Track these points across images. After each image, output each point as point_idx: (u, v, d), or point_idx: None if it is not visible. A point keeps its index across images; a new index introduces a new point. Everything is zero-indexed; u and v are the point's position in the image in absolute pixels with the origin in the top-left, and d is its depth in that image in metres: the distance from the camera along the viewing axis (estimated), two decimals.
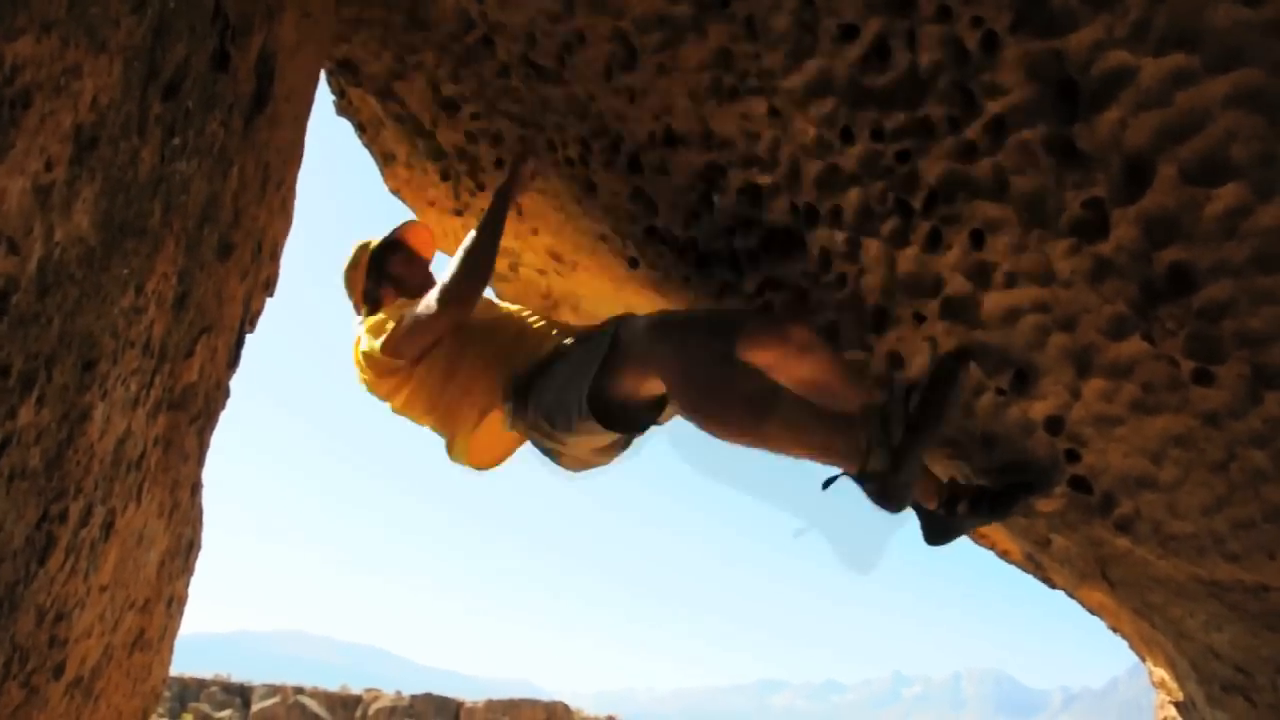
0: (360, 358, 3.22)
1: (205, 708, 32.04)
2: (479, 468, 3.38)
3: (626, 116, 2.95)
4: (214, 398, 3.02)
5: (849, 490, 2.51)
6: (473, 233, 3.20)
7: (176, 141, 2.03)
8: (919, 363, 2.68)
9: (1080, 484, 2.60)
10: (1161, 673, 5.41)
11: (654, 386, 2.76)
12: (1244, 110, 1.80)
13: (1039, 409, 2.51)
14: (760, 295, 2.93)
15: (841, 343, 2.80)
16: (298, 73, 2.99)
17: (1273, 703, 3.10)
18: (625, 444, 3.08)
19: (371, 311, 3.42)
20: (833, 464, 2.54)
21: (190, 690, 33.36)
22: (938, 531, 2.76)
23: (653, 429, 2.99)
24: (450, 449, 3.30)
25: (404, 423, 3.39)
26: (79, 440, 1.88)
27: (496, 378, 3.11)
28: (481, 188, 3.85)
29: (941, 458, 2.91)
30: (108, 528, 2.25)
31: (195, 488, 3.23)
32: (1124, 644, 5.34)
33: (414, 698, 32.16)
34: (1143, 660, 5.82)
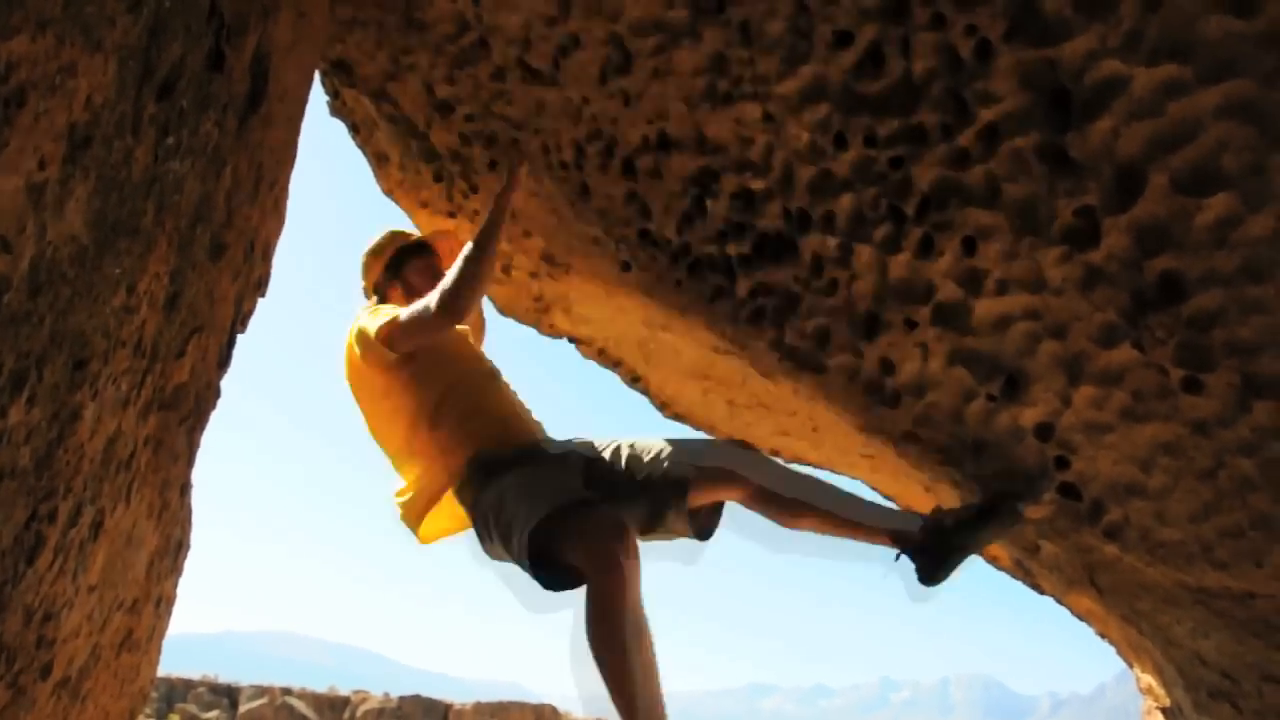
0: (355, 336, 3.22)
1: (192, 708, 31.92)
2: (423, 541, 3.36)
3: (621, 120, 2.95)
4: (205, 398, 3.01)
5: None
6: (470, 243, 3.20)
7: (170, 141, 2.02)
8: (909, 369, 2.69)
9: (1069, 491, 2.61)
10: (1148, 679, 5.43)
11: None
12: (1235, 121, 1.82)
13: (1029, 416, 2.52)
14: (752, 300, 2.93)
15: (832, 348, 2.80)
16: (292, 73, 2.99)
17: (1258, 709, 3.11)
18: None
19: (379, 303, 3.43)
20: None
21: (177, 691, 33.22)
22: (931, 566, 2.80)
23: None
24: (406, 510, 3.28)
25: None
26: (69, 440, 1.88)
27: (470, 448, 3.13)
28: (475, 190, 3.85)
29: (933, 465, 2.92)
30: (97, 528, 2.24)
31: (185, 488, 3.22)
32: (1112, 650, 5.36)
33: (402, 699, 32.07)
34: (1130, 666, 5.84)
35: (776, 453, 5.25)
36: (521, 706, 32.74)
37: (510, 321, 4.85)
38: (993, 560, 5.94)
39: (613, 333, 4.55)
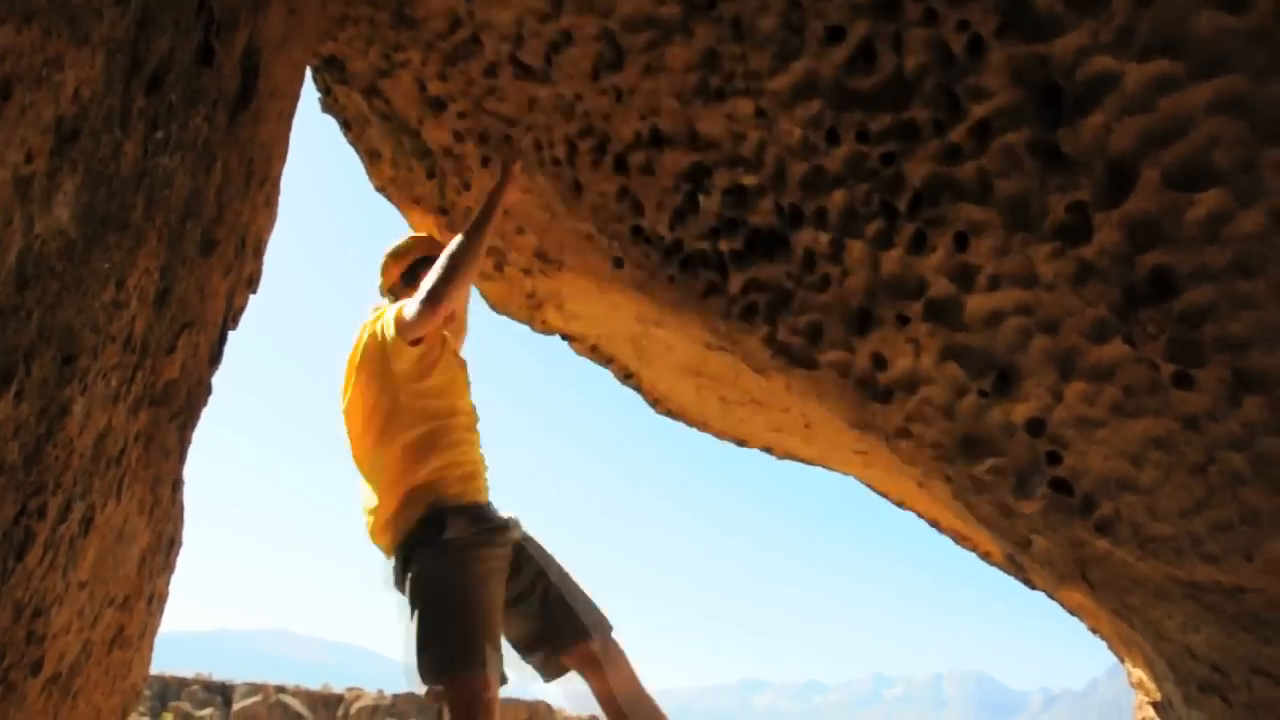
0: (385, 328, 3.26)
1: (186, 706, 31.85)
2: (373, 538, 3.41)
3: (613, 116, 2.95)
4: (196, 394, 3.00)
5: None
6: (459, 236, 3.20)
7: (160, 135, 2.02)
8: (901, 365, 2.69)
9: (1061, 486, 2.61)
10: (1140, 673, 5.44)
11: None
12: (1227, 116, 1.82)
13: (1021, 411, 2.52)
14: (745, 296, 2.93)
15: (824, 344, 2.80)
16: (283, 69, 2.98)
17: (1248, 702, 3.12)
18: None
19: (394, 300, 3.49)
20: None
21: (171, 689, 33.17)
22: None
23: None
24: (372, 529, 3.35)
25: None
26: (58, 435, 1.87)
27: (431, 490, 3.21)
28: (468, 186, 3.85)
29: (925, 461, 2.92)
30: (87, 523, 2.23)
31: (176, 484, 3.21)
32: (1104, 645, 5.37)
33: (396, 696, 32.02)
34: (1121, 661, 5.85)
35: (769, 449, 5.26)
36: (516, 704, 32.71)
37: (503, 319, 4.85)
38: (985, 556, 5.95)
39: (605, 329, 4.54)
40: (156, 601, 3.52)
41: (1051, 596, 5.74)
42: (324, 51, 3.63)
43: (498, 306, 4.75)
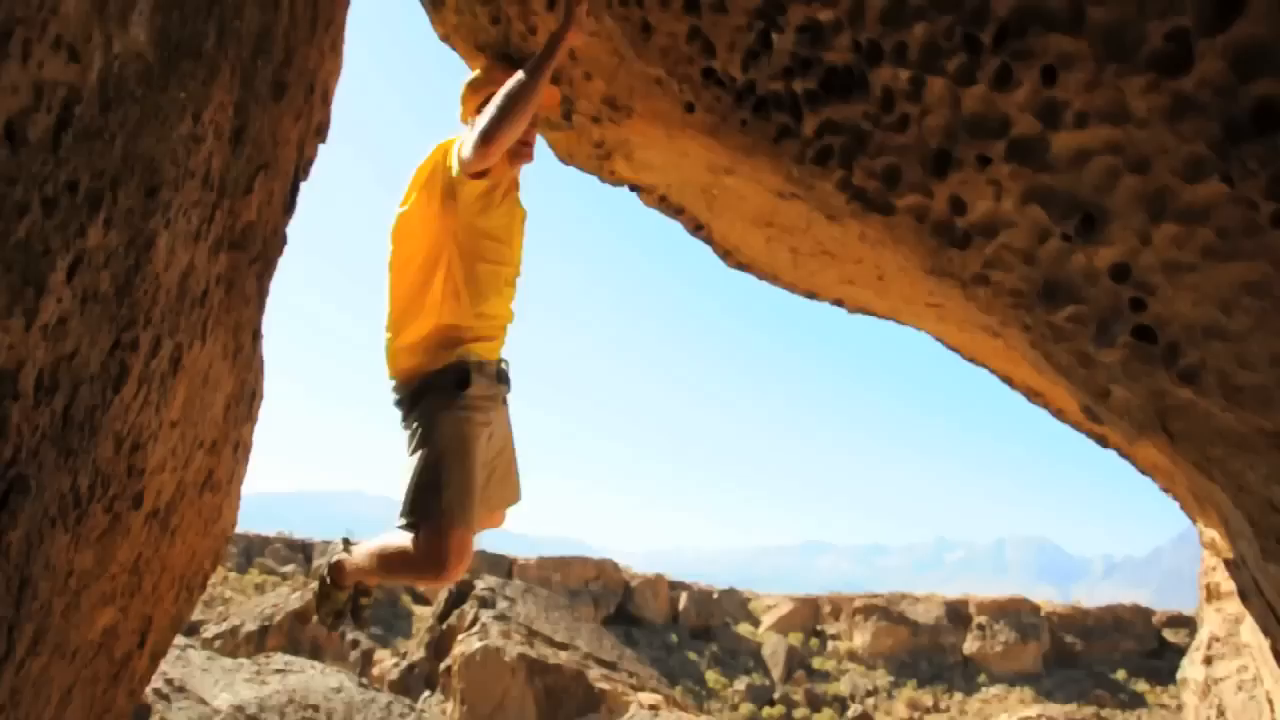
0: (450, 155, 3.31)
1: (270, 562, 33.48)
2: (389, 358, 3.44)
3: None
4: (272, 243, 3.04)
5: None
6: (519, 74, 3.15)
7: None
8: (981, 209, 2.60)
9: (1144, 333, 2.54)
10: (1212, 532, 5.41)
11: None
12: None
13: (1105, 255, 2.43)
14: (819, 139, 2.85)
15: (901, 187, 2.72)
16: None
17: None
18: None
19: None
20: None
21: (255, 546, 34.84)
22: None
23: None
24: (398, 324, 3.38)
25: None
26: (145, 269, 1.91)
27: (464, 334, 3.27)
28: (533, 31, 3.75)
29: (1003, 308, 2.85)
30: (175, 362, 2.30)
31: (256, 334, 3.28)
32: (1167, 516, 5.33)
33: None
34: (1193, 521, 5.82)
35: (841, 302, 5.20)
36: (584, 561, 33.84)
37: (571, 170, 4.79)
38: (1058, 413, 5.89)
39: (675, 179, 4.47)
40: (242, 450, 3.65)
41: (1123, 456, 5.68)
42: None
43: (565, 158, 4.69)
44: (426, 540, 3.08)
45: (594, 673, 12.31)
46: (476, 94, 3.59)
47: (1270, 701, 5.77)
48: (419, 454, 3.17)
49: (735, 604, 35.15)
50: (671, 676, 25.42)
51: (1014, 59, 2.28)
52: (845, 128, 2.77)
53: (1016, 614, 31.61)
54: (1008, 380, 5.70)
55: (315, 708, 8.13)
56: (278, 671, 8.78)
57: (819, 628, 34.12)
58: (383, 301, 3.40)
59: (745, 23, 2.84)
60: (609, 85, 3.78)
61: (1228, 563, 5.00)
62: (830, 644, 33.17)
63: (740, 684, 29.80)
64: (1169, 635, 31.42)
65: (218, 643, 19.40)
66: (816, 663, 31.95)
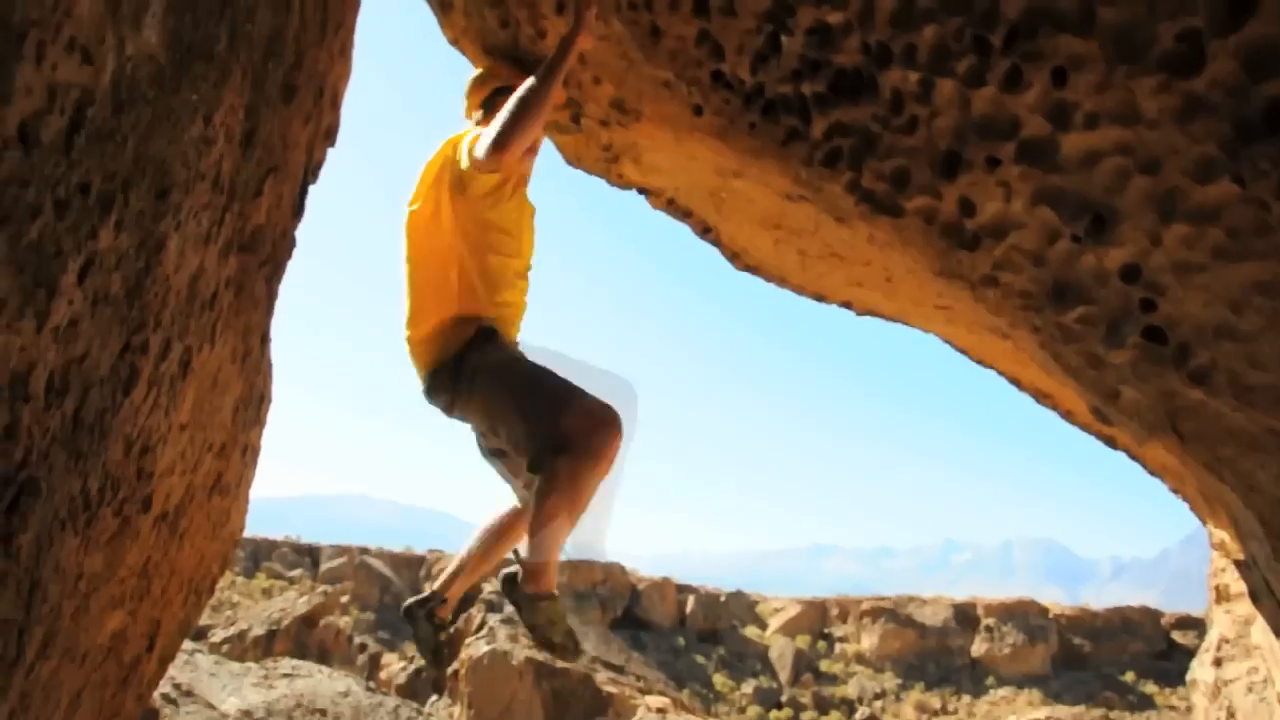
0: (461, 151, 3.32)
1: (278, 567, 33.57)
2: (412, 351, 3.44)
3: None
4: (281, 246, 3.04)
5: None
6: (530, 80, 3.16)
7: None
8: (990, 210, 2.60)
9: (1155, 334, 2.53)
10: (1222, 534, 5.38)
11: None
12: None
13: (1116, 256, 2.43)
14: (828, 141, 2.84)
15: (910, 189, 2.72)
16: None
17: None
18: None
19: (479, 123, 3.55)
20: None
21: (263, 550, 34.94)
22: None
23: None
24: (415, 319, 3.38)
25: None
26: (156, 271, 1.91)
27: (476, 301, 3.27)
28: (542, 35, 3.75)
29: (1012, 310, 2.85)
30: (185, 365, 2.30)
31: (265, 338, 3.28)
32: (1176, 517, 5.32)
33: None
34: (1203, 523, 5.79)
35: (849, 304, 5.20)
36: (590, 565, 33.86)
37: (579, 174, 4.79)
38: (1067, 415, 5.87)
39: (683, 182, 4.47)
40: (250, 453, 3.65)
41: (1133, 457, 5.65)
42: None
43: (573, 161, 4.69)
44: (568, 431, 2.91)
45: (601, 676, 12.31)
46: (480, 89, 3.66)
47: None
48: (498, 394, 3.13)
49: (742, 607, 35.14)
50: (679, 680, 25.41)
51: (1024, 60, 2.27)
52: (854, 130, 2.77)
53: (1024, 616, 31.55)
54: (1016, 382, 5.68)
55: (323, 712, 8.13)
56: (285, 676, 8.78)
57: (826, 630, 34.09)
58: (399, 301, 3.42)
59: (754, 26, 2.84)
60: (617, 88, 3.78)
61: (1238, 564, 4.98)
62: (838, 646, 33.13)
63: (748, 687, 29.78)
64: (1178, 637, 31.33)
65: (225, 647, 19.43)
66: (824, 665, 31.91)
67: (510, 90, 3.44)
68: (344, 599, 29.50)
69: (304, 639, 21.34)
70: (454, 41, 4.40)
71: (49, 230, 1.50)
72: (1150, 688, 29.26)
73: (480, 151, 3.11)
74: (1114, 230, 2.38)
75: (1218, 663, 7.10)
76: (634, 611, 32.64)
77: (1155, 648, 31.34)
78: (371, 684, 10.48)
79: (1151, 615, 32.57)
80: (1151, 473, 5.56)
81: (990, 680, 30.13)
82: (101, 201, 1.58)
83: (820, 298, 5.37)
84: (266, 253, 2.80)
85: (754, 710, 28.51)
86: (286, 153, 2.71)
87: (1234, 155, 2.04)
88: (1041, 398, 5.77)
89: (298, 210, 3.11)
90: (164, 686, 6.91)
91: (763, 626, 34.42)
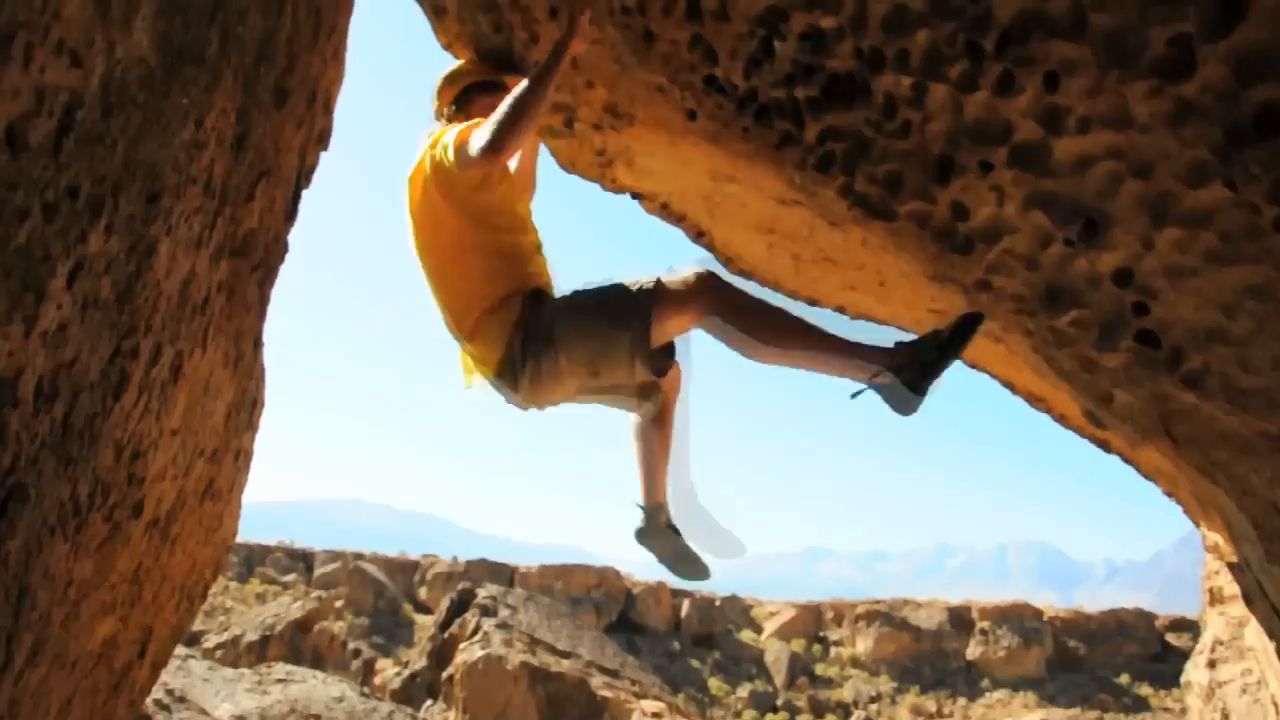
0: (445, 151, 3.24)
1: (271, 572, 33.50)
2: (478, 363, 3.37)
3: None
4: (273, 250, 3.03)
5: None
6: (524, 83, 3.15)
7: None
8: (983, 214, 2.60)
9: (1148, 338, 2.53)
10: (1215, 536, 5.39)
11: (681, 330, 3.12)
12: None
13: (1108, 260, 2.43)
14: (821, 145, 2.84)
15: (904, 193, 2.72)
16: None
17: None
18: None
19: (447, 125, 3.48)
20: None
21: (256, 555, 34.86)
22: (918, 377, 2.82)
23: None
24: (458, 325, 3.29)
25: None
26: (146, 275, 1.90)
27: (506, 280, 3.21)
28: (535, 40, 3.75)
29: (1005, 313, 2.85)
30: (176, 370, 2.29)
31: (257, 342, 3.27)
32: (1170, 519, 5.33)
33: (469, 563, 33.26)
34: (1197, 525, 5.80)
35: (843, 309, 5.20)
36: (585, 569, 33.86)
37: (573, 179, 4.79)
38: (1060, 418, 5.88)
39: (677, 186, 4.47)
40: (243, 458, 3.64)
41: (1126, 461, 5.67)
42: None
43: (567, 165, 4.68)
44: (662, 305, 2.97)
45: (596, 681, 12.29)
46: (451, 87, 3.60)
47: (1275, 704, 5.75)
48: (584, 321, 3.10)
49: (737, 611, 35.12)
50: (674, 684, 25.39)
51: (1016, 65, 2.27)
52: (847, 134, 2.77)
53: (1019, 619, 31.58)
54: (1009, 385, 5.69)
55: (317, 717, 8.11)
56: (279, 681, 8.76)
57: (821, 634, 34.08)
58: (434, 314, 3.34)
59: (747, 30, 2.84)
60: (611, 93, 3.78)
61: (1231, 566, 4.99)
62: (833, 650, 33.14)
63: (743, 691, 29.76)
64: (1172, 639, 31.38)
65: (219, 653, 19.38)
66: (819, 669, 31.91)
67: (482, 86, 3.43)
68: (338, 604, 29.46)
69: (298, 644, 21.28)
70: (447, 46, 4.40)
71: (37, 234, 1.50)
72: (1145, 690, 29.30)
73: (473, 151, 3.10)
74: (1106, 234, 2.39)
75: (1212, 665, 7.11)
76: (629, 616, 32.63)
77: (1150, 650, 31.38)
78: (366, 689, 10.45)
79: (1146, 618, 32.62)
80: (1145, 476, 5.58)
81: (985, 683, 30.15)
82: (91, 205, 1.57)
83: (814, 302, 5.37)
84: (259, 257, 2.79)
85: (749, 714, 28.51)
86: (279, 157, 2.70)
87: (1225, 159, 2.05)
88: (1035, 401, 5.78)
89: (291, 214, 3.10)
90: (157, 693, 6.89)
91: (758, 630, 34.42)
